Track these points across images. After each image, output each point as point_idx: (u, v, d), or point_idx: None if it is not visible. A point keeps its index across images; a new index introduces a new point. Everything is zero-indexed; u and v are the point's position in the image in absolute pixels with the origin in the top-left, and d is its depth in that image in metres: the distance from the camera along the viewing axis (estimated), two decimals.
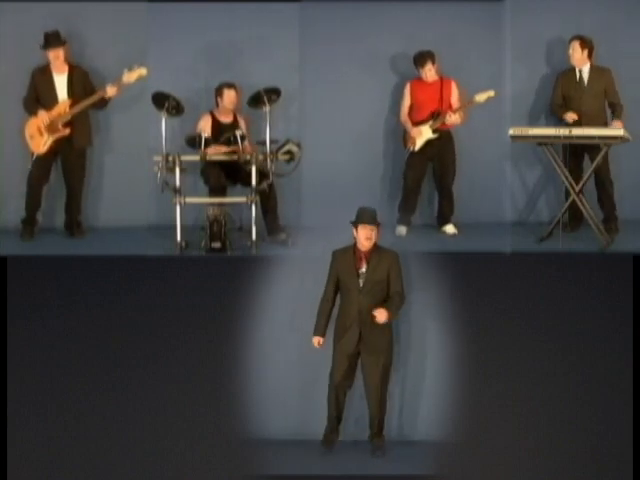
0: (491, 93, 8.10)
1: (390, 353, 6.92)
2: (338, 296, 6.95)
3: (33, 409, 6.82)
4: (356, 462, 6.83)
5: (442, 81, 8.26)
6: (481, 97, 8.11)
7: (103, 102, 8.08)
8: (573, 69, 8.21)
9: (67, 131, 8.00)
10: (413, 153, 8.25)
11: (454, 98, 8.26)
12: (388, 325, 6.87)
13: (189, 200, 7.78)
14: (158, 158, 7.75)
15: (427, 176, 8.38)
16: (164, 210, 7.98)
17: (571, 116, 8.06)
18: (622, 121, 8.02)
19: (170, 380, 6.92)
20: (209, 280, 7.13)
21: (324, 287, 6.92)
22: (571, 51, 8.14)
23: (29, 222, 8.15)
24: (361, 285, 6.82)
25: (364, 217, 6.83)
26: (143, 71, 7.95)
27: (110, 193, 8.49)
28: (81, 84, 8.08)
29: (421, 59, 8.20)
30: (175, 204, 7.71)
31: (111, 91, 7.95)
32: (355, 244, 6.90)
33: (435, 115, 8.19)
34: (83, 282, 7.11)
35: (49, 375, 6.90)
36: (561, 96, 8.25)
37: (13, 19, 8.29)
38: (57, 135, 7.99)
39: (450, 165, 8.27)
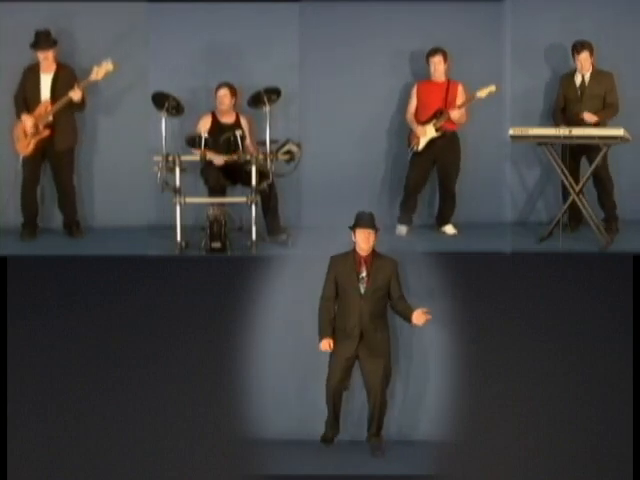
0: (492, 88, 8.07)
1: (390, 355, 6.92)
2: None
3: (33, 409, 6.81)
4: (356, 462, 6.82)
5: (449, 83, 8.25)
6: (482, 92, 8.09)
7: (81, 105, 8.02)
8: (573, 72, 8.21)
9: (47, 132, 7.95)
10: (416, 153, 8.25)
11: (459, 101, 8.24)
12: (386, 327, 6.88)
13: (189, 200, 7.78)
14: (158, 158, 7.75)
15: (431, 176, 8.38)
16: (164, 210, 7.98)
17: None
18: (600, 117, 8.01)
19: (170, 380, 6.92)
20: (209, 280, 7.13)
21: (322, 291, 6.89)
22: (584, 58, 8.08)
23: (28, 223, 8.14)
24: (362, 290, 6.81)
25: (362, 221, 6.82)
26: (110, 66, 7.90)
27: (110, 193, 8.49)
28: (66, 84, 7.99)
29: (433, 51, 8.18)
30: (175, 204, 7.71)
31: (76, 95, 7.89)
32: (354, 249, 6.89)
33: (438, 113, 8.18)
34: (83, 282, 7.11)
35: (49, 375, 6.90)
36: (563, 100, 8.24)
37: (9, 17, 8.28)
38: (38, 137, 7.95)
39: (453, 166, 8.25)
